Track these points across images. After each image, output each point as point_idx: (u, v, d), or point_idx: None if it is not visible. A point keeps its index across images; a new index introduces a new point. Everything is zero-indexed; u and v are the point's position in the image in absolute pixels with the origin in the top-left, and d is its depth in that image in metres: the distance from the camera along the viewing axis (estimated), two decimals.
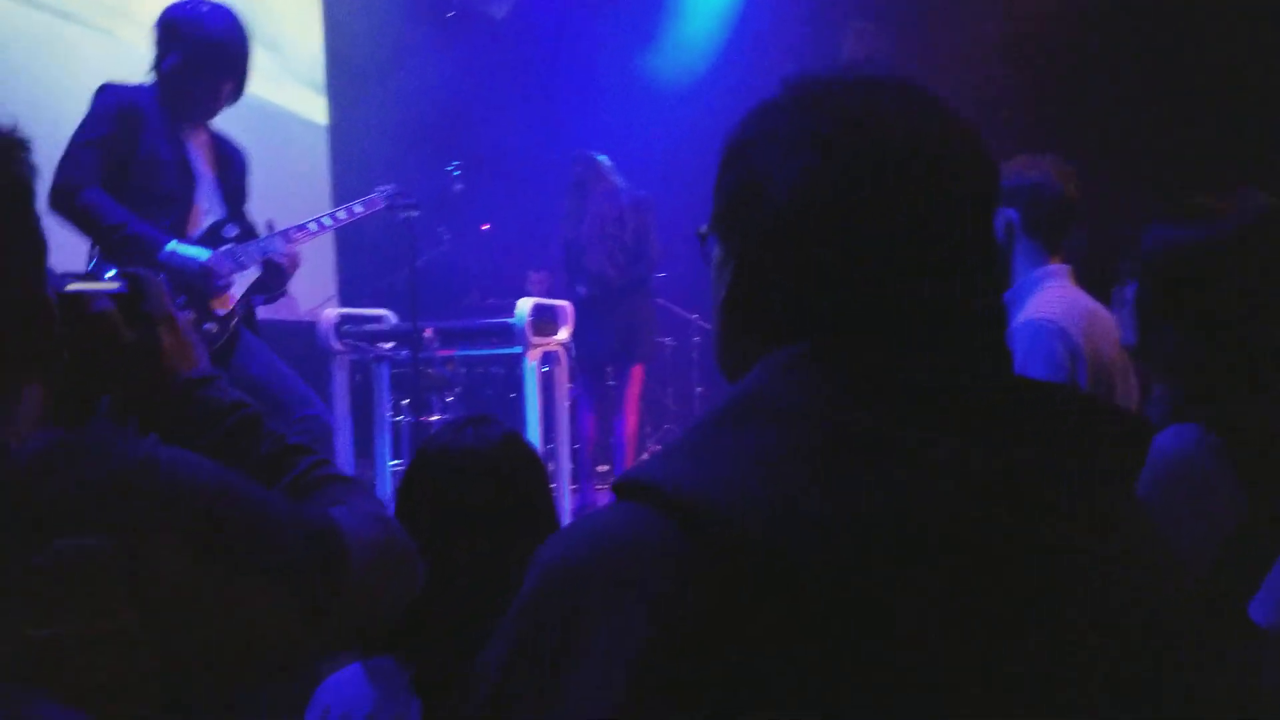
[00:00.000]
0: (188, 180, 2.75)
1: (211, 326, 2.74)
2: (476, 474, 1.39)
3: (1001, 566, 0.57)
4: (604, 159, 4.92)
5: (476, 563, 1.34)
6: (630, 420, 5.05)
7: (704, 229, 0.78)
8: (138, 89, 2.73)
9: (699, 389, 6.27)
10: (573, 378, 4.83)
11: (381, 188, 3.46)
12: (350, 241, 5.35)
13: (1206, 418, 1.30)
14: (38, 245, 0.80)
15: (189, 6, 2.73)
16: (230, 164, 2.91)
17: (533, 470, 1.46)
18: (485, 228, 5.83)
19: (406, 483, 1.45)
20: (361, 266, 5.46)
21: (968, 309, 0.68)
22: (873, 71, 0.72)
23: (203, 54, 2.69)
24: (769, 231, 0.69)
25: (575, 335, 4.51)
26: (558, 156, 5.74)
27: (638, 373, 5.04)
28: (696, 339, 6.16)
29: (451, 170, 4.30)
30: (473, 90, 6.07)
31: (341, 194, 5.71)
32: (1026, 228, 2.15)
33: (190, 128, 2.80)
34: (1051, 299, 2.11)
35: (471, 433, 1.42)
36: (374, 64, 5.76)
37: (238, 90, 2.82)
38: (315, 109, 5.79)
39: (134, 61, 4.57)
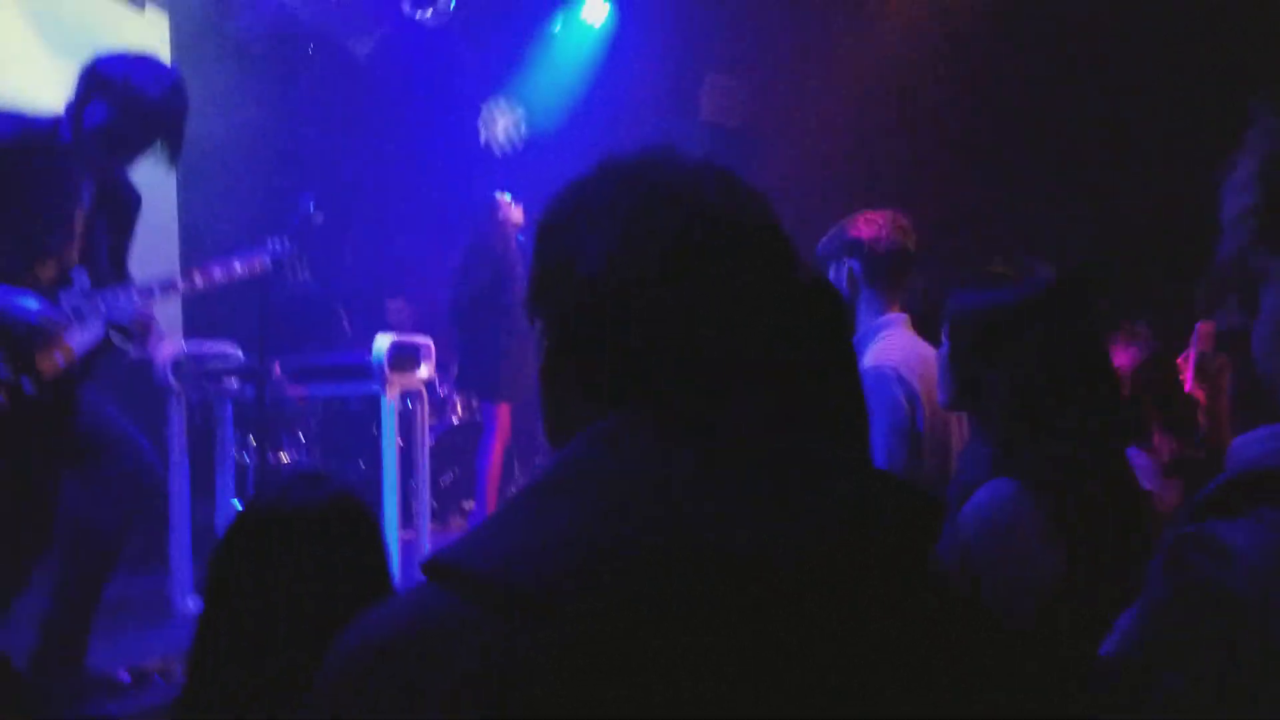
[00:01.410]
0: (64, 231, 2.60)
1: (29, 385, 2.54)
2: (303, 537, 1.32)
3: (779, 646, 0.58)
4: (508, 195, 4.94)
5: (297, 632, 1.26)
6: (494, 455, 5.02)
7: (527, 301, 0.80)
8: (37, 124, 2.58)
9: None
10: (440, 414, 4.77)
11: (272, 243, 3.25)
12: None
13: (1019, 471, 1.38)
14: None
15: (127, 61, 2.62)
16: (118, 206, 2.78)
17: (366, 533, 1.39)
18: (345, 261, 5.71)
19: (226, 544, 1.37)
20: (205, 299, 5.23)
21: (777, 367, 0.71)
22: (676, 152, 0.77)
23: (136, 116, 2.57)
24: (578, 303, 0.72)
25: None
26: (416, 191, 5.70)
27: (504, 408, 5.00)
28: None
29: (307, 202, 4.20)
30: (332, 125, 5.96)
31: (190, 235, 5.47)
32: (867, 278, 2.30)
33: (88, 174, 2.66)
34: (891, 346, 2.23)
35: (301, 491, 1.36)
36: (228, 97, 5.58)
37: (175, 155, 2.70)
38: None
39: None
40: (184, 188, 5.63)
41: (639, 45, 6.39)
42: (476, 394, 5.25)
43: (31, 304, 2.50)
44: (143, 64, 2.64)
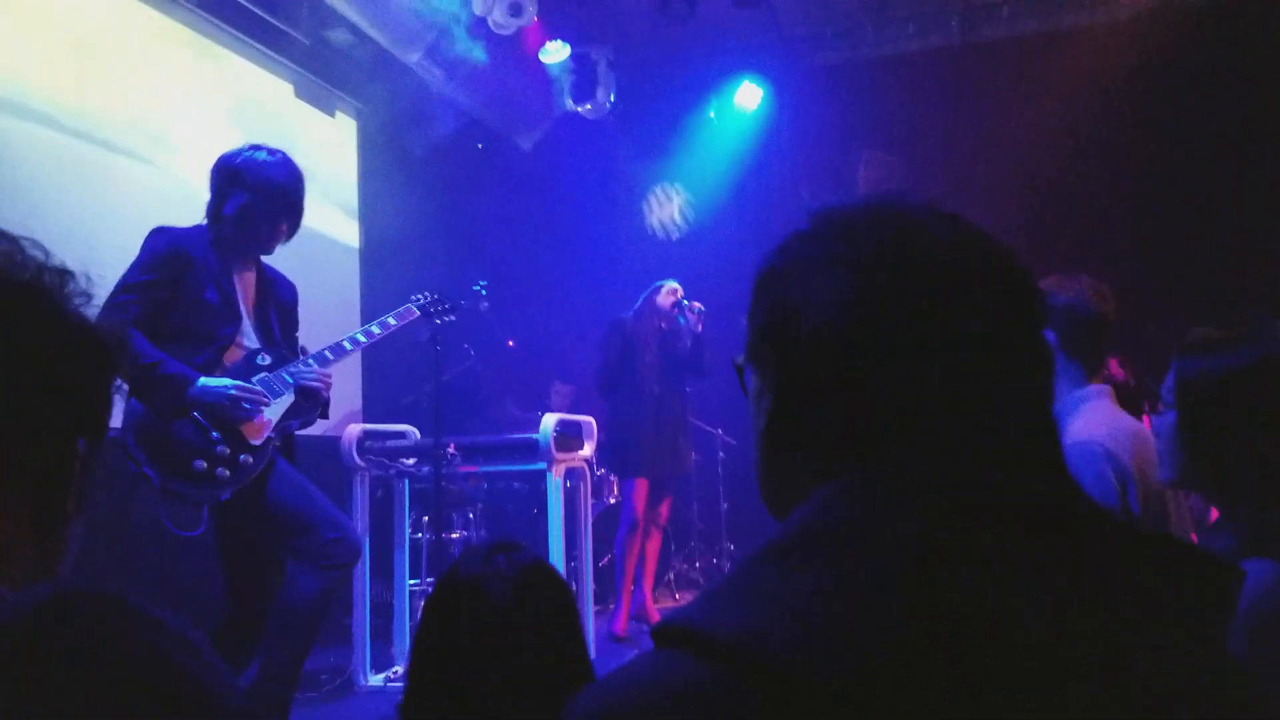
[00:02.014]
0: (231, 319, 2.83)
1: (247, 458, 2.76)
2: (503, 604, 1.36)
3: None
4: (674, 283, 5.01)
5: (499, 696, 1.30)
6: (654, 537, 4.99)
7: (740, 359, 0.77)
8: (188, 232, 2.83)
9: (724, 505, 6.21)
10: (598, 494, 4.81)
11: (415, 296, 3.51)
12: (375, 358, 5.44)
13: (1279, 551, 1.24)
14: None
15: (247, 152, 2.86)
16: (275, 296, 2.99)
17: (562, 600, 1.43)
18: (510, 344, 5.93)
19: (431, 611, 1.42)
20: (386, 383, 5.54)
21: (1019, 423, 0.66)
22: (898, 197, 0.73)
23: (266, 197, 2.81)
24: (807, 357, 0.68)
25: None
26: (580, 278, 5.89)
27: (640, 484, 4.97)
28: (721, 454, 6.14)
29: (478, 289, 4.40)
30: (499, 216, 6.28)
31: (370, 314, 5.84)
32: (1065, 347, 2.12)
33: (240, 265, 2.90)
34: (1095, 420, 2.06)
35: (502, 560, 1.40)
36: (405, 190, 5.99)
37: (294, 230, 2.94)
38: (348, 233, 6.00)
39: (172, 188, 4.80)
40: (366, 277, 6.04)
41: (793, 126, 6.47)
42: (611, 469, 5.30)
43: (225, 386, 2.73)
44: (261, 154, 2.88)
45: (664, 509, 4.97)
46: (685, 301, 4.91)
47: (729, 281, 6.29)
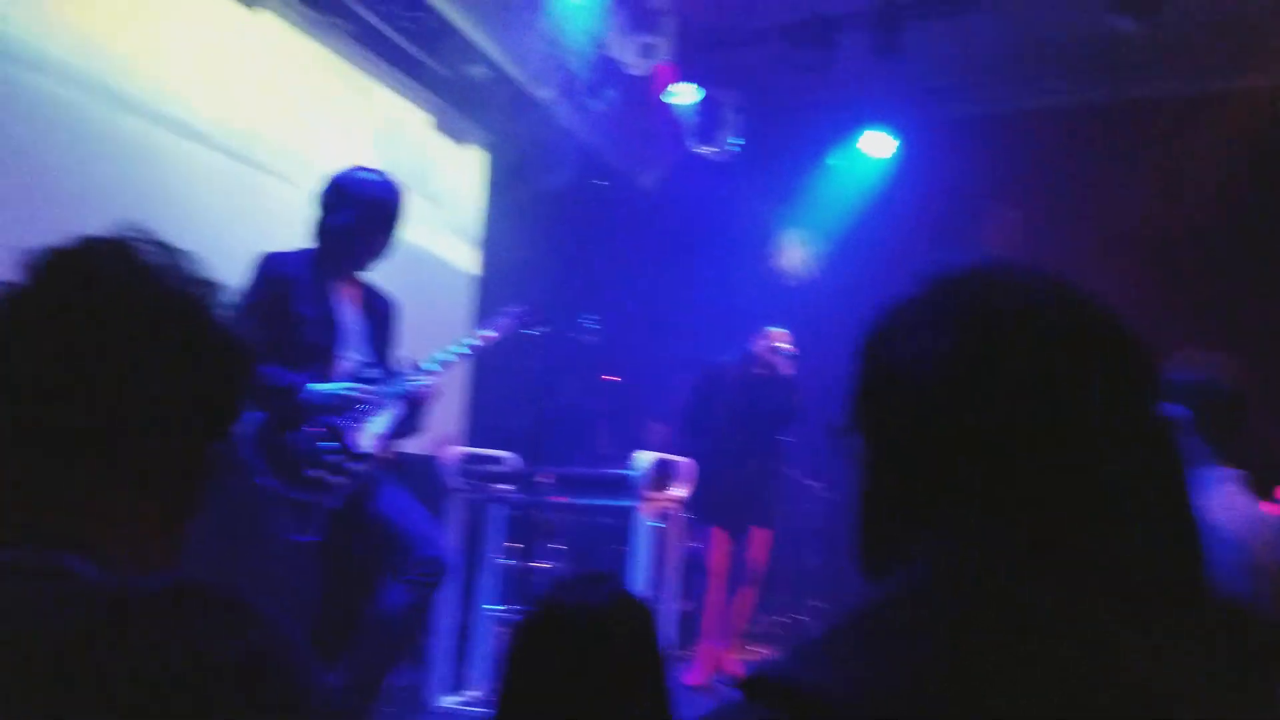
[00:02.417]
0: (331, 333, 2.96)
1: (357, 465, 2.88)
2: (593, 635, 1.39)
3: None
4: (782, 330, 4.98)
5: None
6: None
7: (841, 418, 0.77)
8: (293, 255, 2.98)
9: (815, 561, 6.07)
10: (690, 536, 4.77)
11: (508, 309, 3.57)
12: (479, 382, 5.58)
13: None
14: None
15: (351, 171, 3.02)
16: (377, 312, 3.12)
17: (648, 635, 1.45)
18: (614, 379, 5.98)
19: (523, 639, 1.45)
20: (487, 408, 5.67)
21: (1130, 499, 0.64)
22: (1010, 261, 0.72)
23: (367, 214, 2.95)
24: (909, 422, 0.68)
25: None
26: (690, 318, 5.91)
27: (719, 534, 4.86)
28: (817, 508, 6.02)
29: (589, 323, 4.46)
30: (616, 252, 6.37)
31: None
32: (1198, 427, 2.02)
33: (341, 281, 3.03)
34: (1225, 506, 1.95)
35: (597, 593, 1.43)
36: (529, 223, 6.16)
37: (389, 247, 3.08)
38: (468, 260, 6.20)
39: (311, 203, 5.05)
40: (483, 305, 6.23)
41: (921, 178, 6.33)
42: (691, 514, 5.23)
43: (341, 390, 2.87)
44: (364, 172, 3.01)
45: (756, 562, 4.86)
46: (779, 346, 4.86)
47: (840, 333, 6.19)
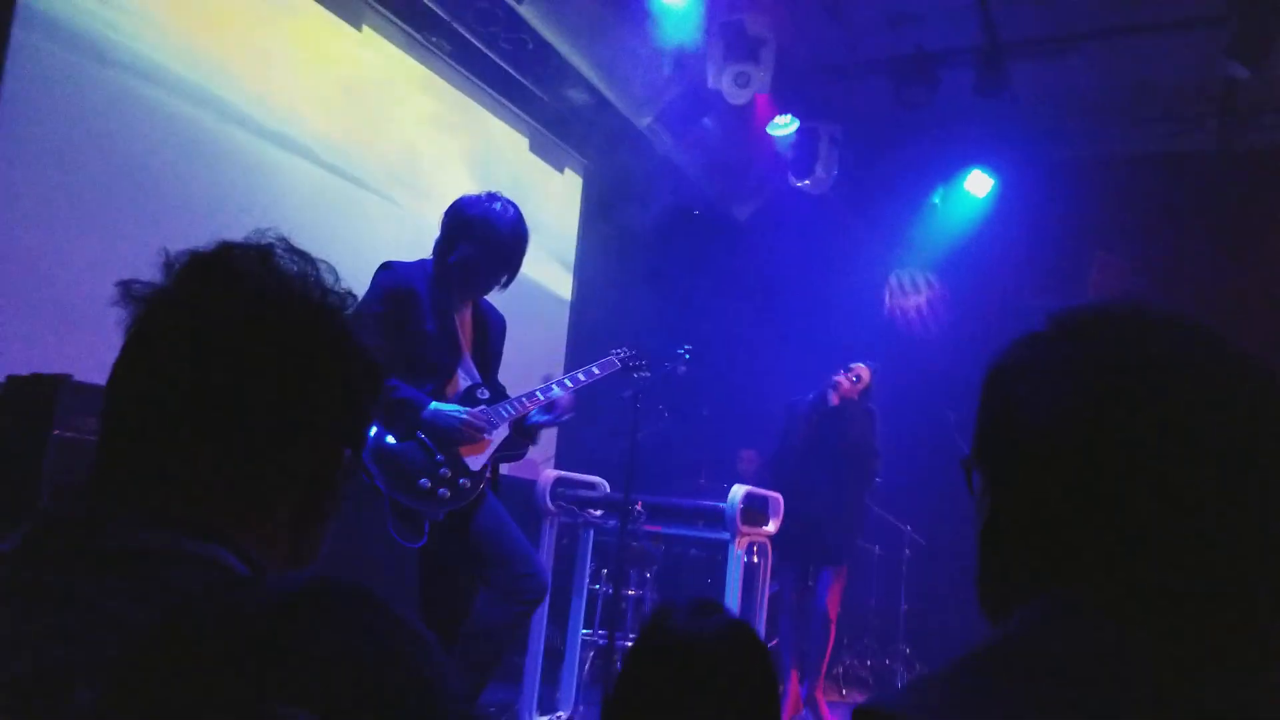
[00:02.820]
0: (452, 352, 2.97)
1: (466, 482, 2.89)
2: (708, 660, 1.37)
3: None
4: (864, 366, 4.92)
5: None
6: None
7: (967, 458, 0.77)
8: (414, 267, 2.96)
9: (905, 606, 5.89)
10: (775, 573, 4.66)
11: (616, 350, 3.57)
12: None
13: None
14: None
15: (483, 204, 2.96)
16: (489, 331, 3.12)
17: (762, 661, 1.43)
18: (705, 413, 5.90)
19: (639, 664, 1.42)
20: (580, 433, 5.62)
21: (1261, 553, 0.61)
22: (1137, 303, 0.70)
23: (491, 251, 2.93)
24: (1031, 462, 0.67)
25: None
26: (781, 351, 5.82)
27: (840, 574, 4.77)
28: (907, 551, 5.85)
29: (682, 353, 4.42)
30: (708, 281, 6.32)
31: (574, 364, 5.98)
32: None
33: (459, 301, 3.03)
34: None
35: (711, 620, 1.41)
36: (622, 250, 6.15)
37: (510, 281, 3.06)
38: (562, 285, 6.20)
39: (409, 226, 5.09)
40: (573, 328, 6.21)
41: (1022, 219, 6.21)
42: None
43: (457, 411, 2.87)
44: (494, 206, 2.95)
45: (828, 600, 4.72)
46: (854, 378, 4.77)
47: (932, 373, 6.09)
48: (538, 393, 3.13)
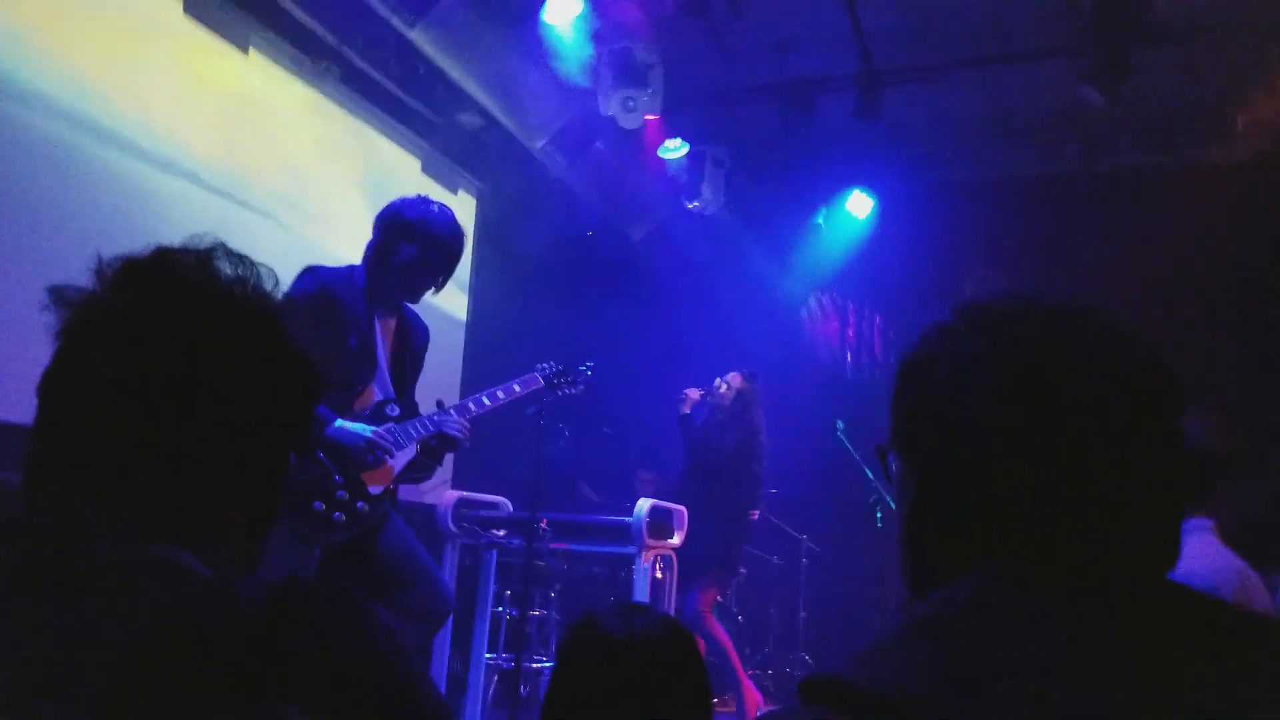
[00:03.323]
0: (367, 366, 2.85)
1: (364, 505, 2.76)
2: (644, 659, 1.37)
3: None
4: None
5: None
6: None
7: (882, 445, 0.81)
8: (339, 274, 2.85)
9: (803, 614, 6.04)
10: (689, 586, 4.68)
11: (541, 365, 3.51)
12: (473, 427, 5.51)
13: None
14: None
15: (420, 206, 2.89)
16: (412, 340, 3.02)
17: (694, 657, 1.44)
18: (606, 431, 5.95)
19: (569, 665, 1.42)
20: (478, 452, 5.59)
21: (1149, 528, 0.69)
22: (1039, 295, 0.76)
23: (432, 252, 2.85)
24: (949, 447, 0.71)
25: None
26: (674, 368, 5.93)
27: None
28: (804, 561, 6.01)
29: (584, 369, 4.47)
30: (606, 302, 6.40)
31: (471, 385, 5.95)
32: None
33: (384, 310, 2.92)
34: (1198, 554, 2.01)
35: (640, 620, 1.41)
36: (517, 270, 6.16)
37: (444, 284, 2.99)
38: (457, 305, 6.17)
39: (299, 249, 5.00)
40: (469, 348, 6.18)
41: (902, 238, 6.50)
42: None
43: (362, 430, 2.75)
44: (433, 208, 2.91)
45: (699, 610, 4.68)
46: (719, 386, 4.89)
47: (820, 382, 6.29)
48: (452, 410, 3.02)
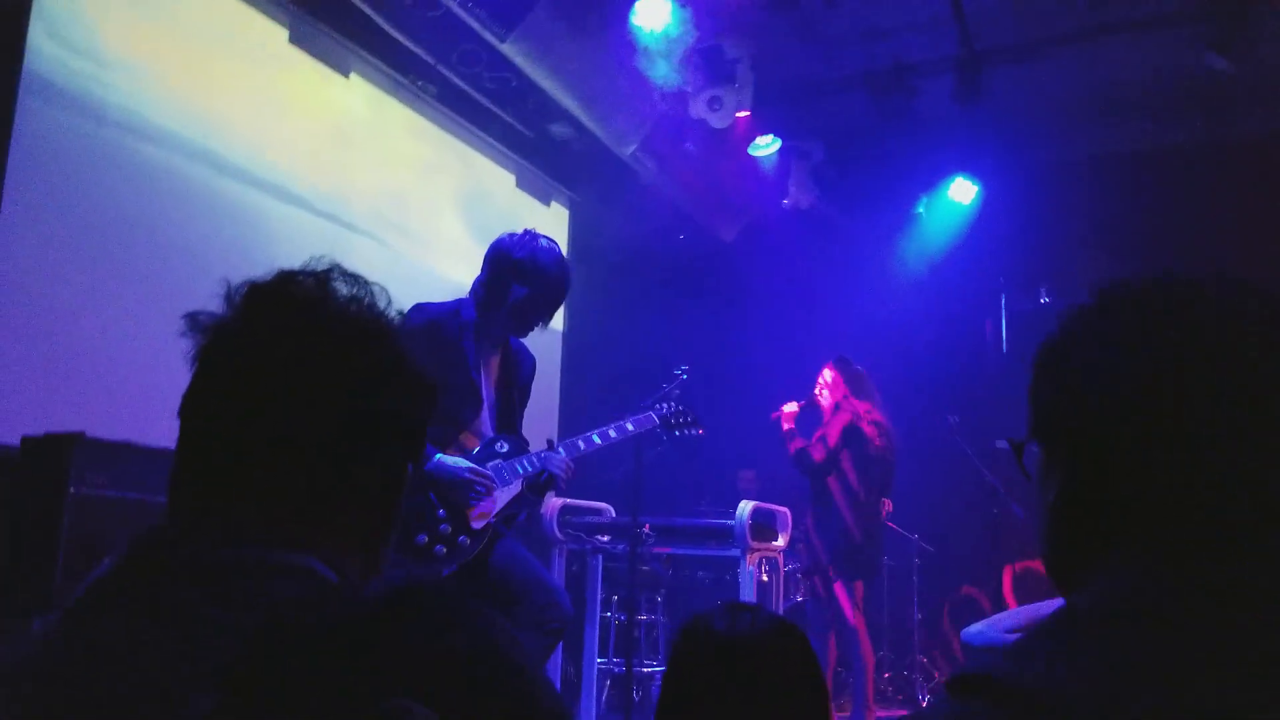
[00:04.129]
0: (474, 403, 2.88)
1: (465, 539, 2.78)
2: (757, 658, 1.36)
3: None
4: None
5: None
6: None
7: (1020, 437, 0.78)
8: (445, 310, 2.89)
9: (918, 615, 5.89)
10: (796, 588, 4.63)
11: (658, 405, 3.45)
12: (574, 433, 5.57)
13: None
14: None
15: (528, 244, 2.89)
16: (519, 373, 3.04)
17: (807, 655, 1.41)
18: (699, 432, 5.93)
19: (677, 666, 1.41)
20: (579, 461, 5.64)
21: None
22: (1187, 271, 0.71)
23: (542, 292, 2.88)
24: (1100, 434, 0.68)
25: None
26: (772, 367, 5.87)
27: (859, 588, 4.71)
28: (916, 560, 5.86)
29: (680, 374, 4.46)
30: (700, 304, 6.38)
31: (567, 398, 6.02)
32: None
33: (490, 346, 2.94)
34: None
35: (749, 619, 1.40)
36: (611, 278, 6.21)
37: (552, 317, 3.02)
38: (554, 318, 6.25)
39: (404, 265, 5.15)
40: (566, 361, 6.25)
41: (1008, 223, 6.28)
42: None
43: (461, 465, 2.77)
44: (540, 245, 2.91)
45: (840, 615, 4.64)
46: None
47: (918, 379, 6.10)
48: (561, 449, 3.02)
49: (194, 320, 0.86)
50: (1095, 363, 0.69)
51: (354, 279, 0.91)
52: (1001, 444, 4.91)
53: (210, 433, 0.83)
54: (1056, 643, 0.60)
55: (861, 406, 4.71)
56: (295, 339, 0.84)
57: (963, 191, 6.42)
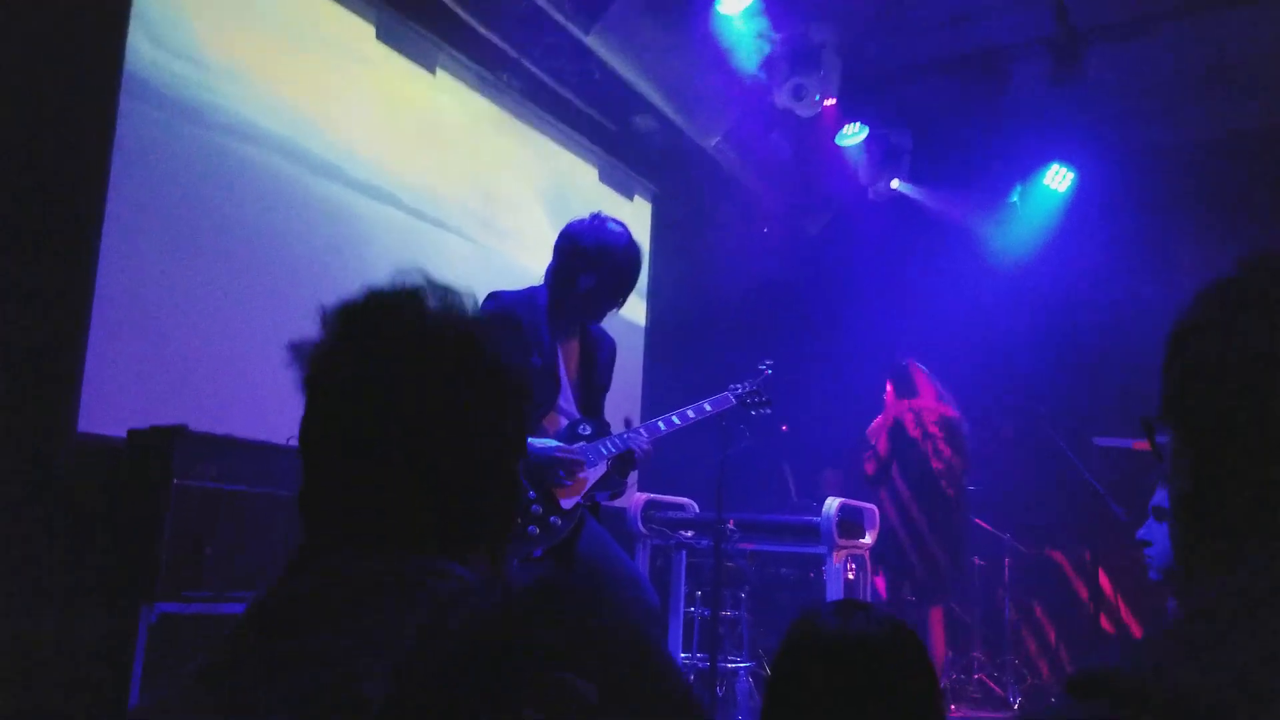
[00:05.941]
0: (553, 387, 2.92)
1: (557, 520, 2.83)
2: (868, 659, 1.32)
3: None
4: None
5: None
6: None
7: (1152, 417, 0.73)
8: (520, 297, 2.93)
9: (1008, 616, 5.72)
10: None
11: (734, 385, 3.45)
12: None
13: None
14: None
15: (596, 231, 2.92)
16: (597, 357, 3.06)
17: (921, 657, 1.36)
18: (784, 429, 5.85)
19: (785, 663, 1.39)
20: (660, 456, 5.64)
21: None
22: None
23: (612, 277, 2.91)
24: (1234, 417, 0.63)
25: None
26: (858, 362, 5.75)
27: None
28: (1007, 560, 5.69)
29: (765, 369, 4.40)
30: (781, 296, 6.30)
31: (651, 389, 6.00)
32: None
33: (567, 330, 2.98)
34: None
35: (862, 619, 1.36)
36: (693, 271, 6.16)
37: (625, 301, 3.03)
38: (636, 311, 6.24)
39: (492, 261, 5.19)
40: (649, 353, 6.24)
41: (1106, 209, 6.04)
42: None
43: (552, 444, 2.83)
44: (609, 229, 2.93)
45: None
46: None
47: (1012, 372, 5.92)
48: (642, 429, 3.03)
49: (296, 350, 0.88)
50: (1227, 339, 0.65)
51: (442, 289, 0.92)
52: (1102, 441, 4.73)
53: (329, 456, 0.87)
54: (1184, 637, 0.57)
55: (905, 405, 4.64)
56: (390, 358, 0.87)
57: (1059, 179, 6.19)
